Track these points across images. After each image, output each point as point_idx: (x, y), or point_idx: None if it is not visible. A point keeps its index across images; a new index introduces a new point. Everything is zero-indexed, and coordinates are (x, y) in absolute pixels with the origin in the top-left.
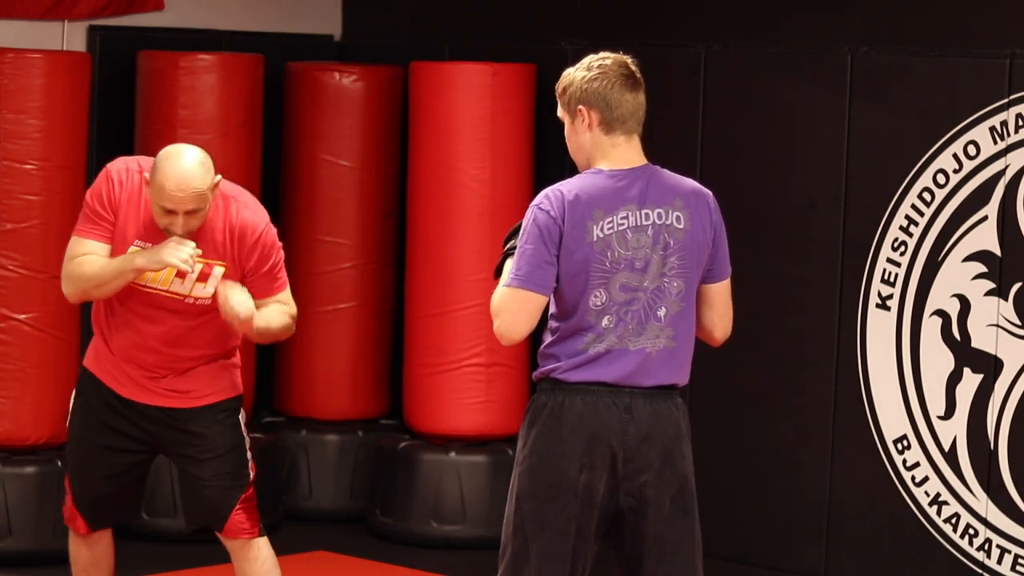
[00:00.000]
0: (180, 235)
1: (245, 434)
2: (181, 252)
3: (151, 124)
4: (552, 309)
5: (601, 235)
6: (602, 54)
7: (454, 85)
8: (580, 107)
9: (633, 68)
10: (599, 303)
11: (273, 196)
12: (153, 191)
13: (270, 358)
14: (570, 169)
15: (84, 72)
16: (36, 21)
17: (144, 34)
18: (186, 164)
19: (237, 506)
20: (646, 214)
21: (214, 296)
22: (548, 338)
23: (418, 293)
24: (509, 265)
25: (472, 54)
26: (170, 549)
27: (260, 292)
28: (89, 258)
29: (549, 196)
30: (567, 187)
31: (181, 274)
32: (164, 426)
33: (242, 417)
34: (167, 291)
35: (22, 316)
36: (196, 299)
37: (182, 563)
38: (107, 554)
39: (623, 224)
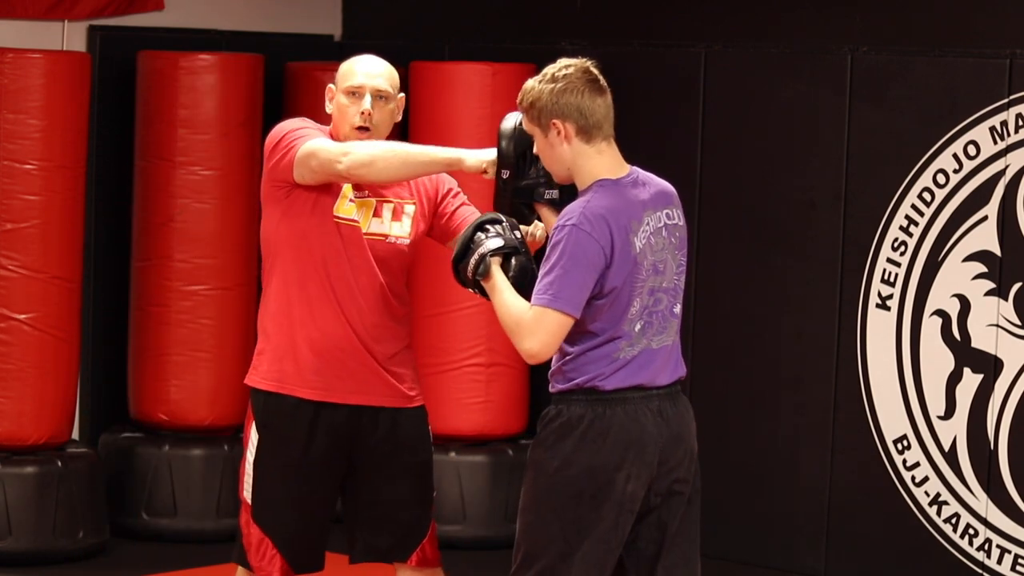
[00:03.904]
0: (364, 115)
1: None
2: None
3: (151, 124)
4: (583, 323)
5: (640, 245)
6: (562, 62)
7: (454, 85)
8: (554, 120)
9: (596, 73)
10: (635, 311)
11: None
12: (341, 78)
13: None
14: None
15: (84, 72)
16: (36, 21)
17: (144, 34)
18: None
19: (429, 531)
20: (659, 217)
21: (411, 237)
22: (576, 351)
23: (418, 293)
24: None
25: (472, 54)
26: (170, 549)
27: (461, 208)
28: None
29: (588, 217)
30: (598, 206)
31: (378, 213)
32: (372, 433)
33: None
34: (367, 233)
35: (22, 316)
36: (397, 239)
37: (182, 563)
38: None
39: (647, 230)
